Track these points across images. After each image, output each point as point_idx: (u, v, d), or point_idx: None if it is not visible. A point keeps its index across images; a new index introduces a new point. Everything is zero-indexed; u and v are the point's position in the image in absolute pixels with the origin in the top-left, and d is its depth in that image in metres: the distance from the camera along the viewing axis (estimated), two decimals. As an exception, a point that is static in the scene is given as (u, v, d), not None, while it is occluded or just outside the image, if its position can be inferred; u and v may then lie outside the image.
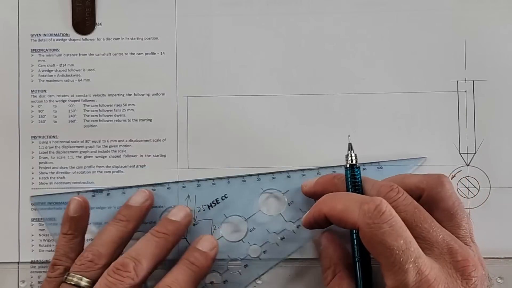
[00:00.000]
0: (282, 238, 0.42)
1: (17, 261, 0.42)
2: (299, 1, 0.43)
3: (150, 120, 0.43)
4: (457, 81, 0.43)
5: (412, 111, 0.43)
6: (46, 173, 0.43)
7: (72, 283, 0.37)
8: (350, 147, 0.38)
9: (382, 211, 0.32)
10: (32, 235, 0.42)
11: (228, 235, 0.42)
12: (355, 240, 0.36)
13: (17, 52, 0.43)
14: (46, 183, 0.42)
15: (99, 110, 0.43)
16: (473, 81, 0.42)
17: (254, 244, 0.42)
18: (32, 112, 0.43)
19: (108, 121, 0.43)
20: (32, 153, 0.43)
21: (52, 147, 0.43)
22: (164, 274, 0.38)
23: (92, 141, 0.43)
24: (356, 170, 0.37)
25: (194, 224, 0.42)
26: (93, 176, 0.43)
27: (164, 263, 0.39)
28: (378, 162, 0.42)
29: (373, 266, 0.36)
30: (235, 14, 0.43)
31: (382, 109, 0.43)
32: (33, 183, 0.42)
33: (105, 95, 0.43)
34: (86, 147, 0.43)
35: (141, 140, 0.43)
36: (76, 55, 0.43)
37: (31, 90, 0.43)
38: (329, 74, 0.43)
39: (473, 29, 0.43)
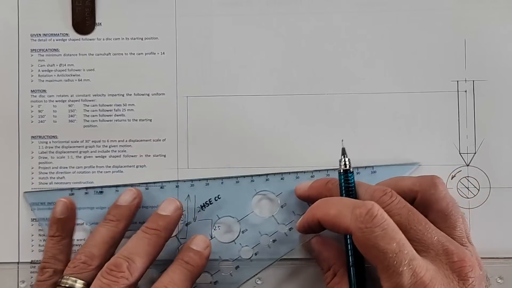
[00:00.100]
0: (274, 240, 0.42)
1: (17, 261, 0.42)
2: (299, 1, 0.43)
3: (150, 120, 0.43)
4: (457, 81, 0.43)
5: (412, 111, 0.43)
6: (46, 173, 0.43)
7: (67, 285, 0.37)
8: (344, 152, 0.38)
9: (374, 215, 0.32)
10: (32, 235, 0.42)
11: (220, 236, 0.42)
12: (349, 245, 0.36)
13: (17, 52, 0.43)
14: (46, 183, 0.42)
15: (99, 110, 0.43)
16: (473, 81, 0.42)
17: (246, 245, 0.42)
18: (32, 112, 0.43)
19: (108, 121, 0.43)
20: (32, 153, 0.43)
21: (52, 147, 0.43)
22: (155, 274, 0.38)
23: (92, 141, 0.43)
24: (349, 175, 0.37)
25: (187, 224, 0.42)
26: (93, 176, 0.43)
27: (155, 262, 0.39)
28: (372, 166, 0.42)
29: (372, 268, 0.36)
30: (235, 14, 0.43)
31: (382, 109, 0.43)
32: (32, 183, 0.42)
33: (105, 95, 0.43)
34: (86, 147, 0.43)
35: (141, 140, 0.43)
36: (76, 55, 0.43)
37: (31, 90, 0.43)
38: (329, 74, 0.43)
39: (473, 29, 0.43)
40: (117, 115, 0.43)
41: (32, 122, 0.43)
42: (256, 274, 0.42)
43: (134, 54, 0.43)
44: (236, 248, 0.42)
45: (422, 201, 0.36)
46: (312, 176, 0.42)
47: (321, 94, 0.43)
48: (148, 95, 0.43)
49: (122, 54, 0.43)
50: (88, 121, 0.43)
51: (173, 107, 0.43)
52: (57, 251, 0.39)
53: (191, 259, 0.38)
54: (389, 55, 0.43)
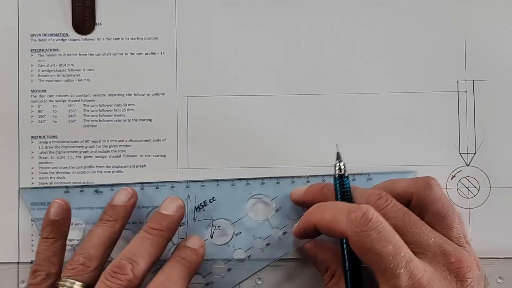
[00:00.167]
0: (267, 244, 0.42)
1: (17, 261, 0.42)
2: (299, 1, 0.43)
3: (150, 120, 0.43)
4: (457, 81, 0.43)
5: (412, 111, 0.43)
6: (46, 173, 0.43)
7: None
8: (338, 157, 0.38)
9: (369, 219, 0.32)
10: (32, 235, 0.42)
11: (214, 238, 0.42)
12: (345, 250, 0.36)
13: (17, 52, 0.43)
14: (46, 183, 0.42)
15: (99, 110, 0.43)
16: (473, 81, 0.42)
17: (239, 248, 0.42)
18: (32, 112, 0.43)
19: (108, 121, 0.43)
20: (32, 153, 0.43)
21: (52, 147, 0.43)
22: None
23: (92, 141, 0.43)
24: (344, 179, 0.37)
25: (180, 225, 0.42)
26: (93, 176, 0.42)
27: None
28: (368, 173, 0.42)
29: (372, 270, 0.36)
30: (235, 14, 0.43)
31: (382, 109, 0.43)
32: (32, 183, 0.42)
33: (105, 95, 0.43)
34: (86, 147, 0.43)
35: (141, 140, 0.43)
36: (76, 55, 0.43)
37: (31, 90, 0.43)
38: (329, 74, 0.43)
39: (473, 29, 0.43)
40: (117, 115, 0.43)
41: (32, 122, 0.43)
42: (248, 278, 0.42)
43: (134, 54, 0.43)
44: (229, 251, 0.42)
45: (418, 203, 0.36)
46: (307, 181, 0.42)
47: (321, 94, 0.43)
48: (148, 95, 0.43)
49: (122, 54, 0.43)
50: (88, 121, 0.43)
51: (173, 107, 0.43)
52: (51, 253, 0.38)
53: (188, 255, 0.38)
54: (389, 55, 0.43)
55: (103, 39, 0.43)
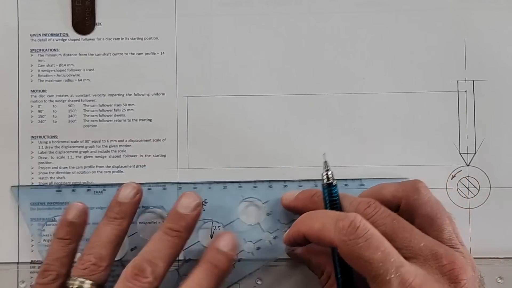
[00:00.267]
0: (258, 248, 0.42)
1: (17, 261, 0.42)
2: (299, 1, 0.43)
3: (150, 120, 0.43)
4: (457, 81, 0.43)
5: (412, 111, 0.43)
6: (46, 173, 0.42)
7: (75, 286, 0.36)
8: (326, 165, 0.38)
9: (356, 227, 0.32)
10: (32, 235, 0.42)
11: (204, 241, 0.41)
12: (336, 257, 0.36)
13: (17, 52, 0.43)
14: (46, 183, 0.42)
15: (99, 110, 0.43)
16: (473, 81, 0.42)
17: None
18: (31, 112, 0.43)
19: (108, 121, 0.43)
20: (32, 153, 0.43)
21: (51, 147, 0.43)
22: None
23: (92, 141, 0.43)
24: (333, 188, 0.37)
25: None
26: (93, 176, 0.42)
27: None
28: (360, 179, 0.42)
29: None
30: (235, 14, 0.43)
31: (382, 109, 0.43)
32: (32, 183, 0.42)
33: (105, 95, 0.43)
34: (86, 147, 0.43)
35: (141, 140, 0.43)
36: (76, 55, 0.43)
37: (31, 90, 0.43)
38: (329, 74, 0.43)
39: (473, 29, 0.43)
40: (117, 115, 0.43)
41: (32, 122, 0.43)
42: (239, 281, 0.42)
43: (134, 54, 0.43)
44: None
45: (407, 207, 0.36)
46: (300, 186, 0.42)
47: (321, 94, 0.43)
48: (148, 95, 0.43)
49: (122, 54, 0.43)
50: (88, 121, 0.43)
51: (173, 107, 0.43)
52: (64, 254, 0.38)
53: (221, 263, 0.37)
54: (389, 55, 0.43)
55: (103, 39, 0.43)
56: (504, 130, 0.42)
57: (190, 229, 0.38)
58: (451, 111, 0.42)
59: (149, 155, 0.43)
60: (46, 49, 0.43)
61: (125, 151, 0.43)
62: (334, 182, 0.37)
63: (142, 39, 0.43)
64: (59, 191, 0.42)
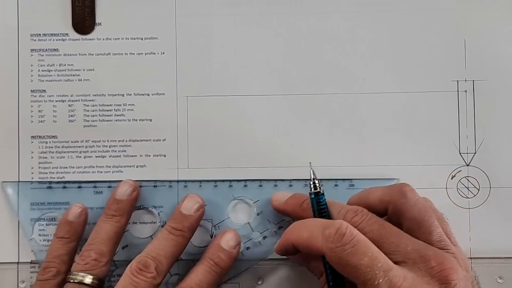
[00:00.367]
0: (247, 248, 0.42)
1: (17, 261, 0.42)
2: (299, 1, 0.43)
3: (150, 120, 0.43)
4: (457, 81, 0.43)
5: (412, 111, 0.43)
6: (46, 173, 0.42)
7: (76, 281, 0.37)
8: (313, 174, 0.38)
9: (343, 234, 0.32)
10: (32, 235, 0.42)
11: (193, 239, 0.41)
12: (326, 265, 0.35)
13: (17, 52, 0.43)
14: (46, 183, 0.42)
15: (99, 110, 0.43)
16: (473, 81, 0.42)
17: None
18: (31, 112, 0.43)
19: (108, 121, 0.43)
20: (32, 153, 0.43)
21: (52, 147, 0.43)
22: None
23: (92, 141, 0.43)
24: (320, 196, 0.37)
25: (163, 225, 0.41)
26: (93, 176, 0.42)
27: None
28: (351, 179, 0.42)
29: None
30: (235, 14, 0.43)
31: (382, 109, 0.43)
32: (32, 183, 0.42)
33: (105, 95, 0.43)
34: (86, 147, 0.43)
35: (141, 140, 0.43)
36: (76, 55, 0.43)
37: (31, 90, 0.43)
38: (329, 74, 0.43)
39: (473, 29, 0.43)
40: (117, 115, 0.43)
41: (32, 122, 0.43)
42: (227, 281, 0.42)
43: (134, 54, 0.43)
44: None
45: (394, 211, 0.36)
46: (290, 185, 0.42)
47: (321, 94, 0.43)
48: (148, 95, 0.43)
49: (122, 54, 0.43)
50: (88, 121, 0.43)
51: (173, 107, 0.43)
52: (64, 252, 0.39)
53: (221, 260, 0.38)
54: (389, 55, 0.43)
55: (103, 39, 0.43)
56: (504, 130, 0.42)
57: (193, 229, 0.39)
58: (451, 111, 0.43)
59: (149, 155, 0.43)
60: (46, 49, 0.43)
61: (125, 151, 0.43)
62: (322, 191, 0.37)
63: (142, 39, 0.43)
64: (63, 188, 0.42)
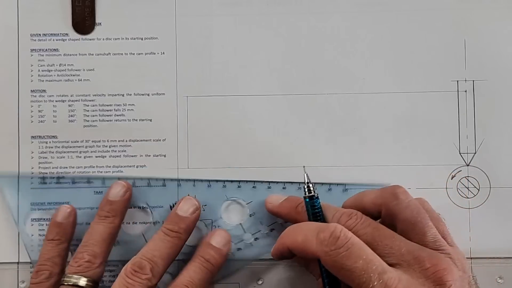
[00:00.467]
0: (238, 249, 0.42)
1: (17, 261, 0.42)
2: (299, 1, 0.43)
3: (150, 120, 0.43)
4: (457, 81, 0.43)
5: (412, 111, 0.43)
6: (46, 173, 0.42)
7: (70, 283, 0.37)
8: (307, 178, 0.38)
9: (337, 237, 0.33)
10: (32, 235, 0.42)
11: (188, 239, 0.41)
12: (322, 269, 0.36)
13: (17, 52, 0.43)
14: (46, 183, 0.42)
15: (99, 110, 0.43)
16: (473, 81, 0.43)
17: None
18: (31, 112, 0.43)
19: (108, 121, 0.43)
20: (32, 153, 0.43)
21: (52, 147, 0.43)
22: None
23: (92, 141, 0.43)
24: (315, 200, 0.37)
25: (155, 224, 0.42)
26: (93, 176, 0.42)
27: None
28: (344, 184, 0.42)
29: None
30: (235, 14, 0.43)
31: (382, 109, 0.43)
32: (32, 183, 0.42)
33: (105, 95, 0.43)
34: (86, 147, 0.43)
35: (141, 140, 0.43)
36: (76, 55, 0.43)
37: (31, 90, 0.43)
38: (329, 74, 0.43)
39: (473, 29, 0.43)
40: (117, 115, 0.43)
41: (32, 122, 0.43)
42: (219, 281, 0.42)
43: (134, 54, 0.43)
44: None
45: (387, 213, 0.36)
46: (284, 188, 0.42)
47: (321, 94, 0.43)
48: (148, 95, 0.43)
49: (122, 54, 0.43)
50: (88, 121, 0.43)
51: (173, 107, 0.43)
52: (55, 254, 0.39)
53: (212, 257, 0.38)
54: (389, 55, 0.43)
55: (103, 39, 0.43)
56: (504, 130, 0.42)
57: (189, 231, 0.39)
58: (451, 111, 0.43)
59: (149, 155, 0.43)
60: (46, 49, 0.43)
61: (125, 151, 0.43)
62: (316, 195, 0.37)
63: (142, 39, 0.43)
64: (63, 188, 0.42)
